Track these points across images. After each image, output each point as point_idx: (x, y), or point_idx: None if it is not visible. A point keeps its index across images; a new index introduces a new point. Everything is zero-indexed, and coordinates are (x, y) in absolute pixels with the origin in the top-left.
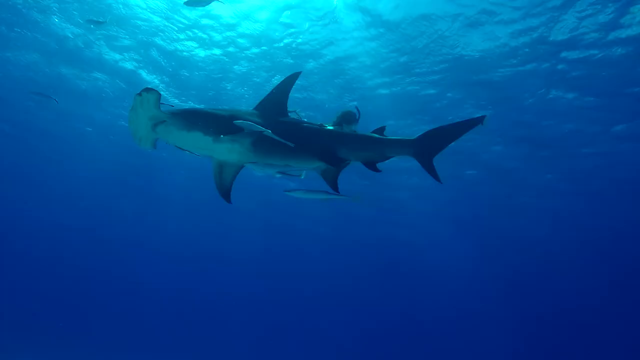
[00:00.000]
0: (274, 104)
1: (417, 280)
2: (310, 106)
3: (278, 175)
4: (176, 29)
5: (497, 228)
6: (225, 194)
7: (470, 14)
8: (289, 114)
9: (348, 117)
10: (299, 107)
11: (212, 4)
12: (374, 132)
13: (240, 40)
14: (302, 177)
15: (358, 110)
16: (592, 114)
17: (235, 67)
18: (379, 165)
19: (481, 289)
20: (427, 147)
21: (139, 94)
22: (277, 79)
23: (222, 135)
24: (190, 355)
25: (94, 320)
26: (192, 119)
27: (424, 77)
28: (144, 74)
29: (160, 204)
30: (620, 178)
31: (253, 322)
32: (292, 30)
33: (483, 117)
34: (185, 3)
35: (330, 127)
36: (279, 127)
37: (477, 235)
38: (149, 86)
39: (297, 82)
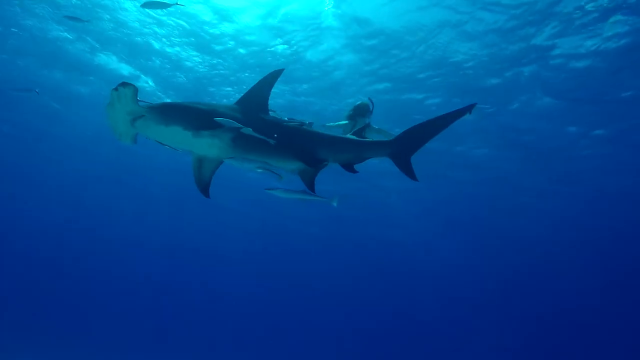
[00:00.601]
0: (255, 100)
1: (412, 280)
2: (304, 109)
3: (259, 171)
4: (172, 30)
5: (491, 228)
6: (204, 189)
7: (459, 20)
8: (269, 113)
9: (361, 110)
10: (295, 112)
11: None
12: (353, 133)
13: (235, 43)
14: (282, 180)
15: (372, 102)
16: (576, 117)
17: (231, 70)
18: (357, 166)
19: (476, 290)
20: (403, 148)
21: (116, 89)
22: (275, 90)
23: (201, 130)
24: (189, 355)
25: (94, 320)
26: (171, 113)
27: (417, 82)
28: (141, 76)
29: (159, 204)
30: (605, 181)
31: (251, 322)
32: (285, 33)
33: (473, 105)
34: (142, 5)
35: (303, 128)
36: (259, 124)
37: (471, 235)
38: (152, 91)
39: (293, 86)
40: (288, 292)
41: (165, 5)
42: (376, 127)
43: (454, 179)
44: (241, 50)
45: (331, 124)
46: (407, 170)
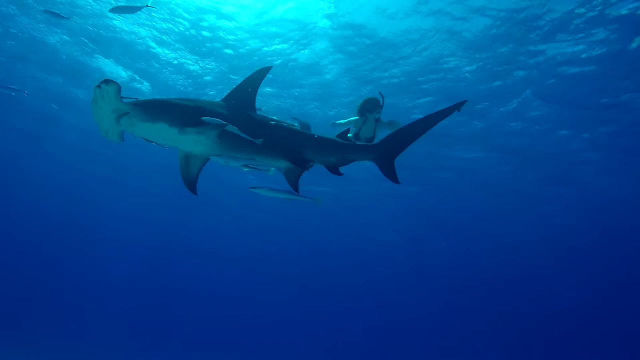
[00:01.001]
0: (242, 97)
1: (406, 281)
2: (302, 112)
3: (245, 169)
4: (169, 33)
5: (486, 230)
6: (191, 185)
7: (452, 25)
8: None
9: (370, 105)
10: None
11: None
12: (337, 136)
13: (233, 44)
14: (271, 174)
15: (382, 96)
16: (567, 121)
17: (229, 71)
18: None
19: (472, 291)
20: (387, 152)
21: (98, 86)
22: (269, 89)
23: (187, 127)
24: (188, 355)
25: (94, 320)
26: (156, 110)
27: (412, 86)
28: (138, 78)
29: (156, 203)
30: (597, 183)
31: (250, 322)
32: (281, 35)
33: (463, 102)
34: (110, 10)
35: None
36: (246, 121)
37: (466, 236)
38: (150, 94)
39: (288, 88)
40: (285, 292)
41: (134, 9)
42: (386, 121)
43: (448, 181)
44: (241, 50)
45: (341, 120)
46: (390, 174)
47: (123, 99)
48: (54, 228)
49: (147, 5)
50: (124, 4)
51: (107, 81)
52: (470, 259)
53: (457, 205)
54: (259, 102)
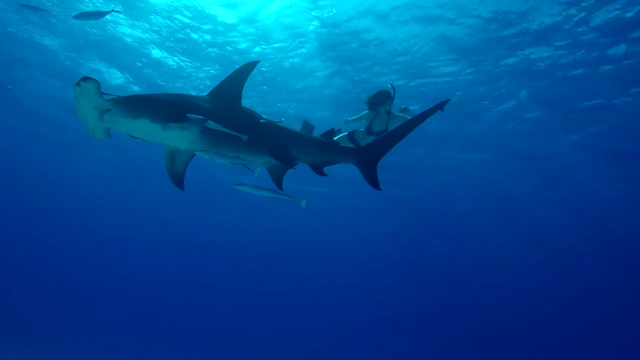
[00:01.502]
0: (228, 92)
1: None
2: (295, 114)
3: (232, 165)
4: (166, 35)
5: (482, 230)
6: (178, 181)
7: (445, 30)
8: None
9: (379, 98)
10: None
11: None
12: (324, 134)
13: (231, 46)
14: (256, 175)
15: (393, 88)
16: (561, 123)
17: (226, 73)
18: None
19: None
20: (370, 157)
21: (78, 84)
22: (266, 88)
23: (170, 123)
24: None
25: (94, 320)
26: (138, 106)
27: (406, 90)
28: (132, 79)
29: (153, 202)
30: (590, 185)
31: (249, 321)
32: (274, 37)
33: (446, 101)
34: (75, 17)
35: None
36: (231, 117)
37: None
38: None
39: (285, 92)
40: (283, 292)
41: (97, 17)
42: (398, 114)
43: (445, 181)
44: (237, 51)
45: (353, 116)
46: (372, 179)
47: (105, 96)
48: (53, 228)
49: (114, 11)
50: (92, 10)
51: (86, 78)
52: (467, 259)
53: (453, 205)
54: (258, 102)
